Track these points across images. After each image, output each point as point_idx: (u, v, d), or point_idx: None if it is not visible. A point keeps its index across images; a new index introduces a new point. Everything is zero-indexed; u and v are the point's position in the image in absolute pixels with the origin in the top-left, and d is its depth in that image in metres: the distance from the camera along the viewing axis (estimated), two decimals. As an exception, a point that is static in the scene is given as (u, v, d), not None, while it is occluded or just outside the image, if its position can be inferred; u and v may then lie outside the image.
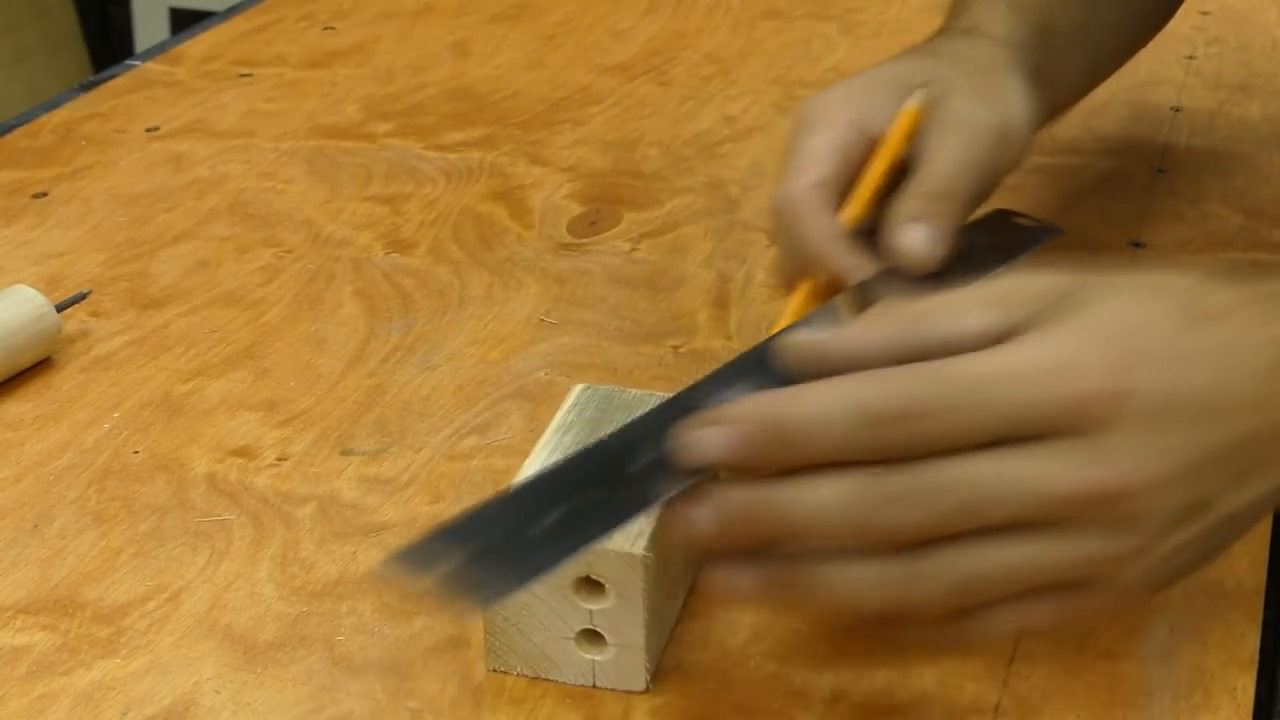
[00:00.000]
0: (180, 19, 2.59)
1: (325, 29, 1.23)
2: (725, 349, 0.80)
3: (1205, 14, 1.24)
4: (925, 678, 0.59)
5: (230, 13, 1.26)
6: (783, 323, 0.65)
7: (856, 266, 0.65)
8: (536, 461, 0.61)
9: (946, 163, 0.68)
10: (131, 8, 2.70)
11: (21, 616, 0.62)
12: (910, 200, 0.67)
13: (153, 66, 1.16)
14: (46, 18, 2.58)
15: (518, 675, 0.59)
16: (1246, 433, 0.53)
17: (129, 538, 0.67)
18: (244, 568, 0.65)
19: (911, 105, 0.70)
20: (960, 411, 0.51)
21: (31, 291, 0.78)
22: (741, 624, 0.62)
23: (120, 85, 1.12)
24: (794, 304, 0.66)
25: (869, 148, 0.69)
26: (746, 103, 1.10)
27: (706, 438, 0.52)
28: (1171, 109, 1.08)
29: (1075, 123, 1.06)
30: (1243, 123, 1.06)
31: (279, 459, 0.72)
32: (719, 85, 1.13)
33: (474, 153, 1.02)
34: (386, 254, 0.90)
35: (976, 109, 0.69)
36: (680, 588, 0.62)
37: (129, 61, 1.17)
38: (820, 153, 0.68)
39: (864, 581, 0.52)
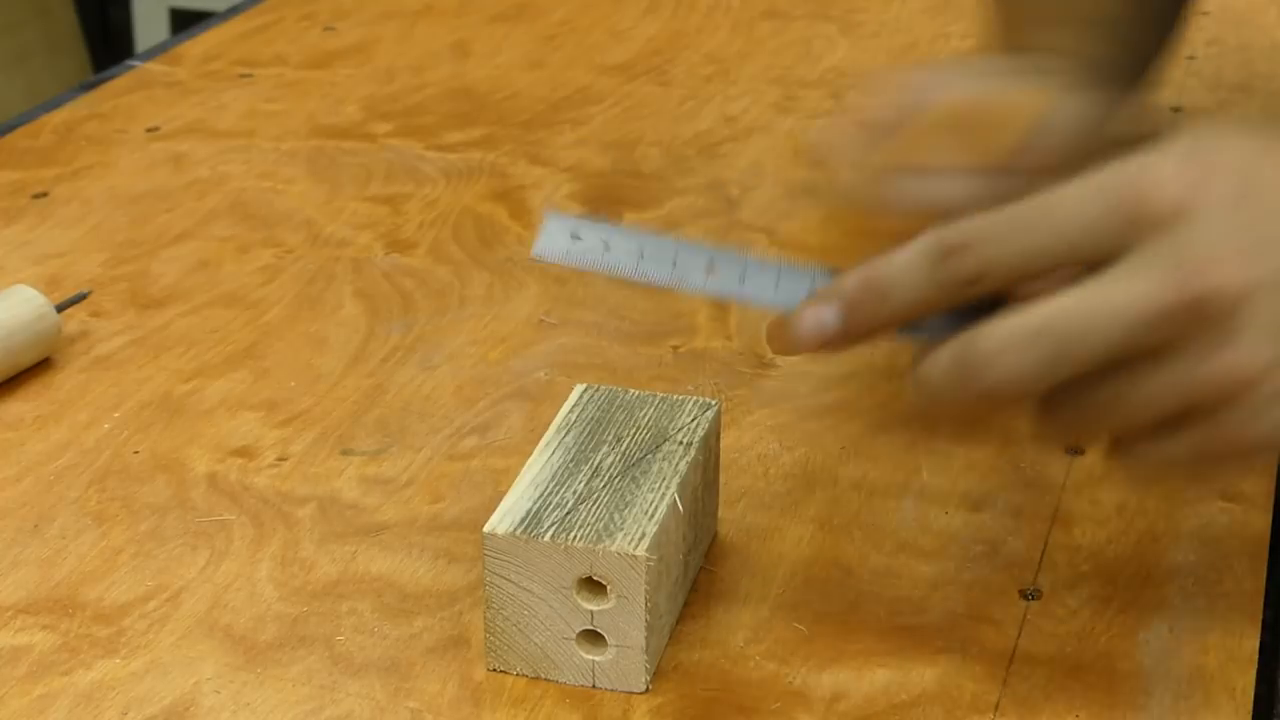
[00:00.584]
0: (180, 19, 2.59)
1: (325, 29, 1.23)
2: (725, 349, 0.80)
3: (1205, 14, 1.24)
4: (925, 677, 0.59)
5: (230, 13, 1.26)
6: None
7: (894, 199, 0.62)
8: (537, 462, 0.61)
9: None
10: (131, 8, 2.70)
11: (21, 616, 0.62)
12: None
13: (153, 66, 1.16)
14: (46, 18, 2.58)
15: (518, 675, 0.59)
16: None
17: (129, 538, 0.67)
18: (244, 568, 0.65)
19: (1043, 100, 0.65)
20: (1032, 230, 0.52)
21: (31, 292, 0.78)
22: (741, 624, 0.62)
23: (120, 85, 1.12)
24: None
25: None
26: (746, 103, 1.10)
27: (820, 313, 0.55)
28: (1171, 109, 1.08)
29: (1075, 123, 1.06)
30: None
31: (279, 459, 0.72)
32: (719, 85, 1.13)
33: (474, 153, 1.02)
34: (386, 254, 0.90)
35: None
36: (681, 588, 0.62)
37: (129, 61, 1.17)
38: (889, 103, 0.65)
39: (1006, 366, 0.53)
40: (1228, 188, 0.51)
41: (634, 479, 0.60)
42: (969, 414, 0.56)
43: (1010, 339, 0.52)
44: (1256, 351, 0.51)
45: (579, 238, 0.59)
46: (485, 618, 0.59)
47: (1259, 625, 0.61)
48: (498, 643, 0.59)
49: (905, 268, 0.54)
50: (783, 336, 0.56)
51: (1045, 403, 0.54)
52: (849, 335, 0.56)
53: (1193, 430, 0.53)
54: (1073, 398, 0.53)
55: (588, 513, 0.58)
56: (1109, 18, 0.75)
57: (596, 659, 0.58)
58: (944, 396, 0.54)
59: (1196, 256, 0.51)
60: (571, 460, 0.61)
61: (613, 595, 0.57)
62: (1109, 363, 0.52)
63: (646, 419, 0.64)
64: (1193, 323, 0.51)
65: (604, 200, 0.96)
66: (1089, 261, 0.52)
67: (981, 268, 0.53)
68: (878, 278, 0.55)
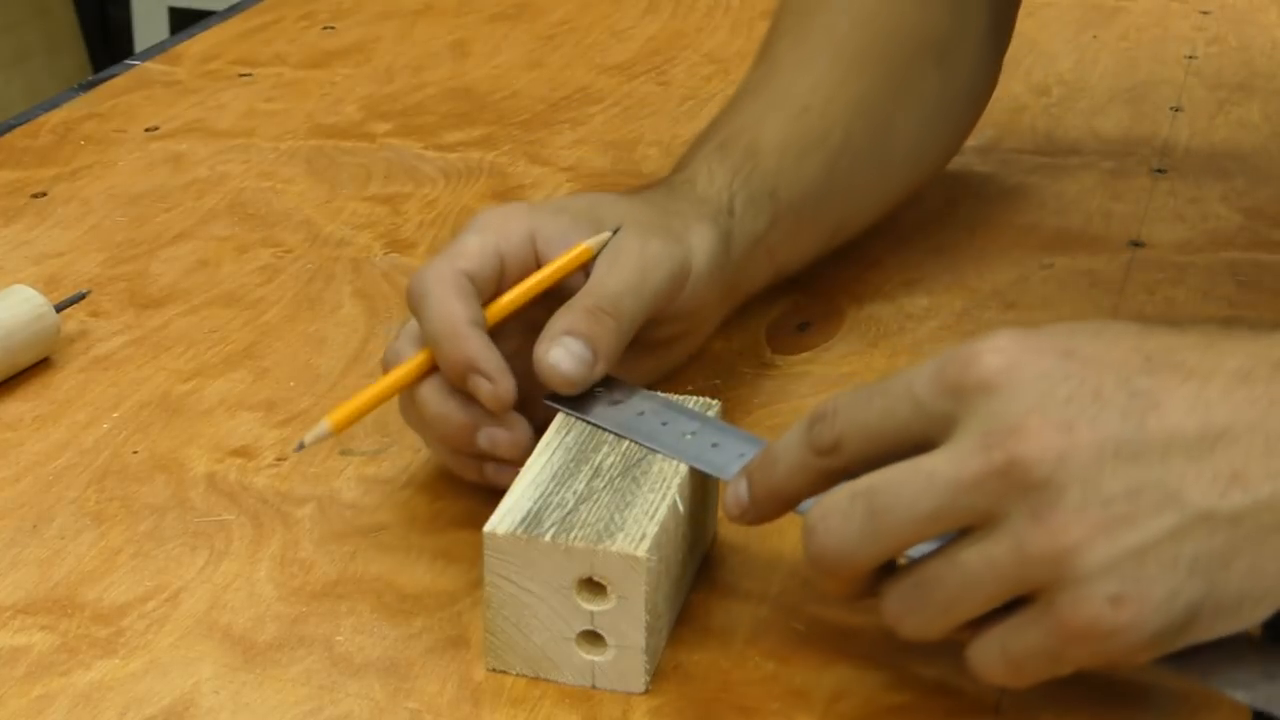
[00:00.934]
0: (180, 19, 2.59)
1: (325, 29, 1.23)
2: (725, 349, 0.80)
3: (1205, 14, 1.24)
4: (925, 677, 0.59)
5: (230, 13, 1.26)
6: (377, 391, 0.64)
7: (489, 357, 0.63)
8: (537, 462, 0.61)
9: (613, 283, 0.66)
10: (131, 8, 2.70)
11: (21, 617, 0.62)
12: (569, 312, 0.64)
13: (152, 66, 1.16)
14: (46, 18, 2.58)
15: (517, 675, 0.59)
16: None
17: (128, 538, 0.67)
18: (243, 568, 0.65)
19: (589, 243, 0.67)
20: (876, 398, 0.55)
21: (31, 291, 0.78)
22: (741, 624, 0.62)
23: (120, 85, 1.12)
24: (410, 364, 0.65)
25: (534, 266, 0.67)
26: (746, 103, 1.09)
27: (737, 485, 0.59)
28: (1171, 109, 1.08)
29: (1075, 123, 1.06)
30: (1243, 123, 1.06)
31: (278, 459, 0.72)
32: (719, 85, 1.12)
33: (474, 153, 1.02)
34: (386, 254, 0.90)
35: (652, 243, 0.67)
36: (680, 589, 0.62)
37: (129, 61, 1.17)
38: (478, 249, 0.66)
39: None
40: (1044, 364, 0.52)
41: (634, 479, 0.60)
42: (829, 587, 0.57)
43: (833, 504, 0.54)
44: (1070, 521, 0.50)
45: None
46: (485, 618, 0.59)
47: (1259, 625, 0.61)
48: (497, 643, 0.59)
49: (790, 437, 0.57)
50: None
51: (885, 584, 0.55)
52: (758, 505, 0.58)
53: (1026, 616, 0.52)
54: (908, 578, 0.54)
55: (588, 513, 0.58)
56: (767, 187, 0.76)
57: (596, 659, 0.58)
58: (806, 565, 0.56)
59: (1005, 426, 0.51)
60: (572, 460, 0.61)
61: (613, 595, 0.57)
62: (933, 535, 0.53)
63: (646, 419, 0.64)
64: (1006, 493, 0.51)
65: (604, 200, 0.95)
66: (926, 435, 0.53)
67: (838, 435, 0.55)
68: (771, 448, 0.58)
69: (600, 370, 0.64)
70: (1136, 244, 0.90)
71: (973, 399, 0.52)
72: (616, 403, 0.64)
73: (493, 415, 0.64)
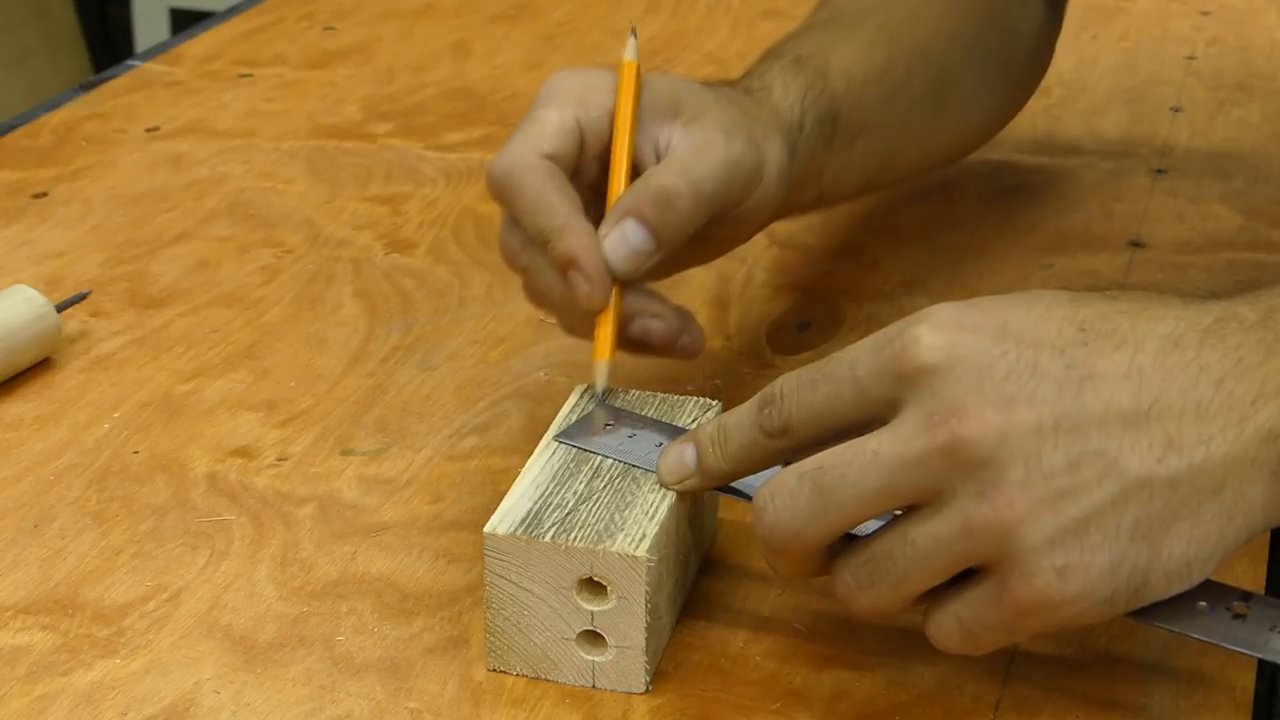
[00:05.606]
0: (180, 19, 2.59)
1: (325, 29, 1.23)
2: (725, 349, 0.80)
3: (1205, 14, 1.24)
4: (925, 678, 0.59)
5: (230, 13, 1.26)
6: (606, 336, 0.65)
7: (591, 257, 0.63)
8: (537, 462, 0.61)
9: (699, 170, 0.66)
10: (131, 8, 2.69)
11: (21, 616, 0.62)
12: (644, 190, 0.65)
13: (153, 66, 1.16)
14: (46, 18, 2.58)
15: (517, 675, 0.59)
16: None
17: (129, 538, 0.67)
18: (244, 568, 0.65)
19: (628, 57, 0.67)
20: (823, 382, 0.56)
21: (31, 291, 0.78)
22: (741, 624, 0.62)
23: (120, 85, 1.12)
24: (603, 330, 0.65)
25: (608, 138, 0.67)
26: (746, 103, 1.09)
27: (682, 450, 0.60)
28: (1171, 109, 1.08)
29: (1075, 123, 1.06)
30: (1243, 123, 1.06)
31: (279, 459, 0.72)
32: (719, 85, 1.12)
33: (474, 153, 1.02)
34: (386, 254, 0.90)
35: (736, 142, 0.67)
36: (681, 589, 0.62)
37: (129, 61, 1.17)
38: (558, 126, 0.66)
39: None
40: (980, 342, 0.53)
41: (634, 479, 0.60)
42: (782, 566, 0.57)
43: (781, 484, 0.55)
44: (1015, 497, 0.51)
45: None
46: (485, 618, 0.59)
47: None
48: (498, 643, 0.59)
49: (741, 414, 0.58)
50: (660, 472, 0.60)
51: (836, 560, 0.56)
52: (704, 475, 0.59)
53: (978, 590, 0.53)
54: (858, 554, 0.55)
55: (588, 513, 0.58)
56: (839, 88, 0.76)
57: (596, 659, 0.58)
58: (759, 545, 0.57)
59: (946, 407, 0.52)
60: (572, 461, 0.61)
61: (613, 596, 0.57)
62: (879, 512, 0.54)
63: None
64: (950, 471, 0.52)
65: (604, 200, 0.96)
66: (870, 416, 0.54)
67: (786, 416, 0.56)
68: (723, 421, 0.59)
69: (659, 257, 0.64)
70: (1136, 244, 0.90)
71: (914, 380, 0.53)
72: (609, 426, 0.63)
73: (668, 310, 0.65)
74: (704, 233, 0.68)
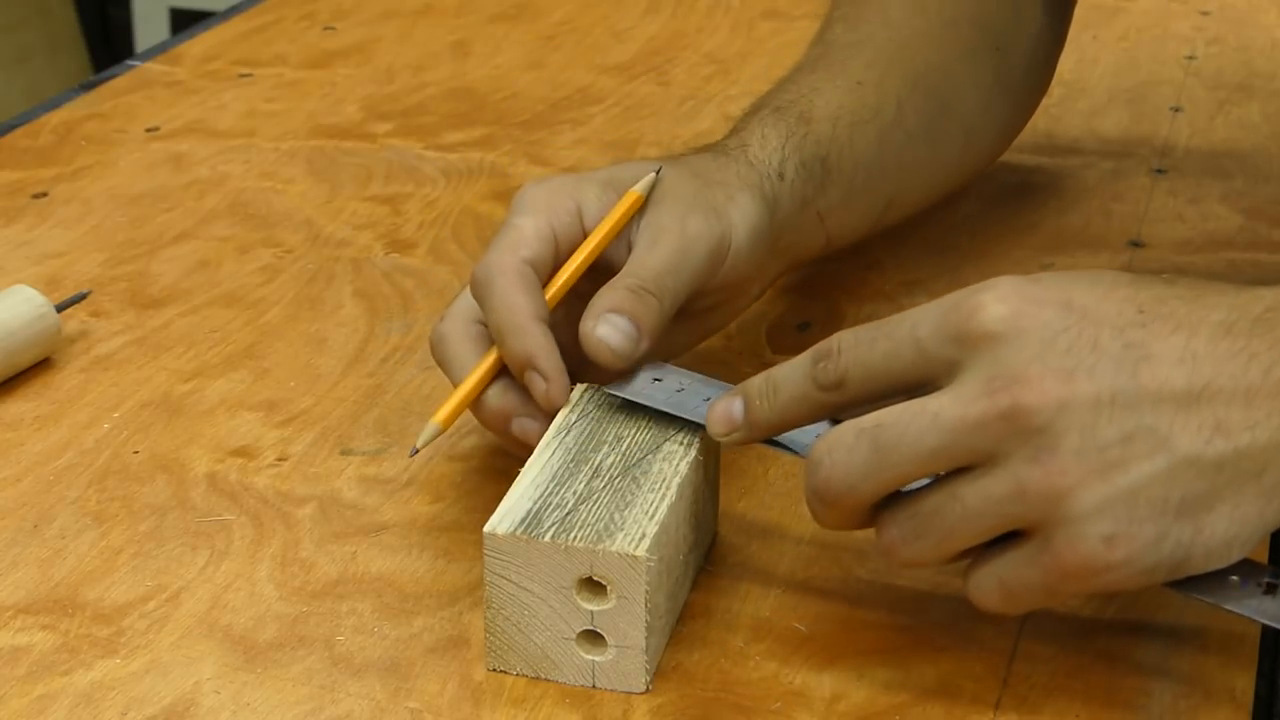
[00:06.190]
0: (180, 19, 2.59)
1: (325, 29, 1.23)
2: (725, 349, 0.80)
3: (1205, 14, 1.24)
4: (925, 677, 0.59)
5: (230, 13, 1.26)
6: (470, 383, 0.65)
7: (548, 357, 0.64)
8: (537, 462, 0.61)
9: (654, 263, 0.67)
10: (131, 8, 2.69)
11: (21, 616, 0.62)
12: (613, 291, 0.65)
13: (153, 66, 1.16)
14: (46, 18, 2.58)
15: (518, 675, 0.59)
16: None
17: (129, 538, 0.67)
18: (244, 568, 0.65)
19: (637, 189, 0.69)
20: (882, 340, 0.57)
21: (31, 291, 0.78)
22: (741, 624, 0.62)
23: (120, 85, 1.12)
24: (482, 368, 0.65)
25: (581, 239, 0.68)
26: (746, 103, 1.08)
27: (730, 404, 0.61)
28: (1171, 109, 1.08)
29: (1075, 123, 1.06)
30: (1243, 123, 1.06)
31: (279, 459, 0.72)
32: (719, 85, 1.13)
33: (474, 153, 1.02)
34: (386, 254, 0.90)
35: (691, 220, 0.68)
36: (681, 589, 0.62)
37: (129, 61, 1.17)
38: (534, 233, 0.67)
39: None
40: (1045, 315, 0.55)
41: (634, 479, 0.60)
42: (829, 518, 0.59)
43: (839, 439, 0.57)
44: (1068, 465, 0.53)
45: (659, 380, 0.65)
46: (485, 618, 0.59)
47: (1259, 625, 0.61)
48: (498, 643, 0.59)
49: (793, 367, 0.59)
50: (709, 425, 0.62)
51: (884, 514, 0.57)
52: (752, 427, 0.60)
53: (1023, 551, 0.55)
54: (906, 509, 0.56)
55: (588, 513, 0.58)
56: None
57: (596, 659, 0.58)
58: (807, 496, 0.58)
59: (1010, 373, 0.54)
60: (572, 460, 0.61)
61: (613, 595, 0.57)
62: (934, 471, 0.56)
63: (647, 419, 0.64)
64: (1007, 436, 0.54)
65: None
66: (928, 377, 0.56)
67: (842, 371, 0.58)
68: (772, 374, 0.60)
69: (645, 346, 0.65)
70: (1136, 244, 0.90)
71: (977, 346, 0.55)
72: (657, 381, 0.65)
73: (538, 408, 0.65)
74: (693, 305, 0.69)
